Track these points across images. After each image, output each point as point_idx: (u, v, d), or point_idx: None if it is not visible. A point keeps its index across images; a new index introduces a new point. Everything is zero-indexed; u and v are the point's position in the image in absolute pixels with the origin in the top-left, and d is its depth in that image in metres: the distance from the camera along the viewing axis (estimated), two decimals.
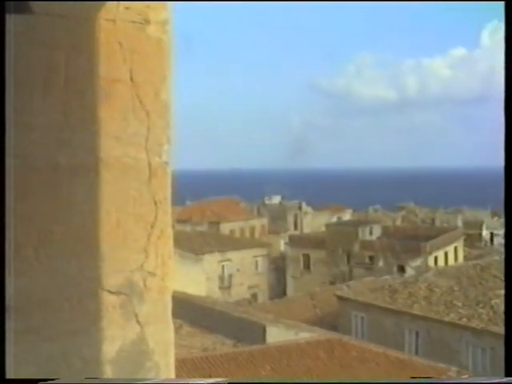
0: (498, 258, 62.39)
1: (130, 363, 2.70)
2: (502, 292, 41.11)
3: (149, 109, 2.73)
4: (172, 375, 2.84)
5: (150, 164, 2.74)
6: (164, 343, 2.82)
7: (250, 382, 13.81)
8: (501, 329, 32.41)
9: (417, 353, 34.86)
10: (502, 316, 33.46)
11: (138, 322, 2.72)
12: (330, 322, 39.22)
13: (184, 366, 23.18)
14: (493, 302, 35.39)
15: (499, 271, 51.80)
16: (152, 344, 2.76)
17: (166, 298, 2.83)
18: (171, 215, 2.80)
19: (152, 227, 2.74)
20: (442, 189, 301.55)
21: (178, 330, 33.21)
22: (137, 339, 2.72)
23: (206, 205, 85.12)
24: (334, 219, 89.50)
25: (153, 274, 2.76)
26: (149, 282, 2.75)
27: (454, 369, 24.56)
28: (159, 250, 2.77)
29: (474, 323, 33.62)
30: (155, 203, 2.75)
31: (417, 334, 35.97)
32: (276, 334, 27.15)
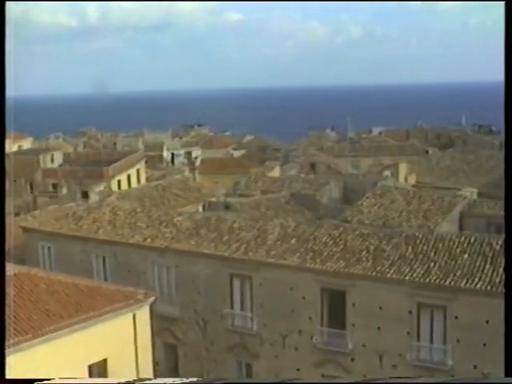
0: (179, 176, 65.16)
1: None
2: (183, 209, 43.06)
3: None
4: None
5: None
6: None
7: (250, 382, 14.57)
8: (183, 245, 33.99)
9: (106, 278, 35.43)
10: (186, 233, 35.04)
11: None
12: (18, 255, 38.17)
13: None
14: (175, 220, 36.77)
15: (180, 189, 54.11)
16: None
17: None
18: None
19: None
20: (122, 113, 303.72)
21: None
22: None
23: None
24: (15, 148, 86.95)
25: None
26: None
27: (142, 291, 25.28)
28: None
29: (159, 243, 34.79)
30: None
31: (104, 259, 36.51)
32: None
